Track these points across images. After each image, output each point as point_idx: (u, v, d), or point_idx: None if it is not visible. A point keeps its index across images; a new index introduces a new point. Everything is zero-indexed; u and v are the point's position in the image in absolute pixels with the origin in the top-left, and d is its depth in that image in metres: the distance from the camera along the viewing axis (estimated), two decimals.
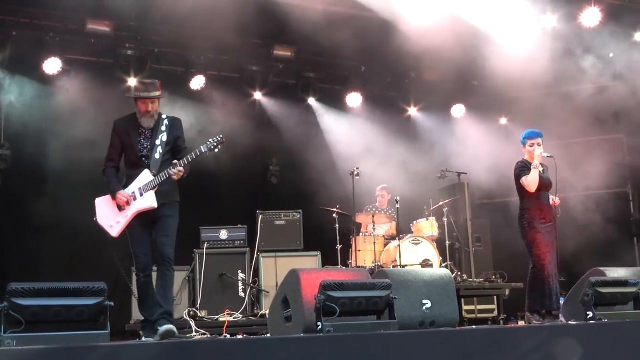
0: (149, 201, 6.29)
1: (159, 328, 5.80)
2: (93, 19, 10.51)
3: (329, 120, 12.81)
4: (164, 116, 6.52)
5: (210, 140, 6.38)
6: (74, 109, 10.45)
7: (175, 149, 6.49)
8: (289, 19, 10.16)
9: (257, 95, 12.32)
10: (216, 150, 6.34)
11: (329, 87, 13.04)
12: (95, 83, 10.57)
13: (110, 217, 6.37)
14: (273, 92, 12.45)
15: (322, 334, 5.21)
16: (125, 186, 6.38)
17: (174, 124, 6.57)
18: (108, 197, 6.43)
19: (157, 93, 6.37)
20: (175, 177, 6.23)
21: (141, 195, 6.29)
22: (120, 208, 6.33)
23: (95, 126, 9.81)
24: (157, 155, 6.39)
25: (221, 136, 6.40)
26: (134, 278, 6.69)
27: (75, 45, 10.85)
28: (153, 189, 6.28)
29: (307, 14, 10.12)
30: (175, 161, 6.20)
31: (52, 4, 10.09)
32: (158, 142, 6.42)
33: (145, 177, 6.35)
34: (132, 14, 10.76)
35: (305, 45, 11.96)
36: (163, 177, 6.25)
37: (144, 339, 5.96)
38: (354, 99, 12.81)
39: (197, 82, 11.51)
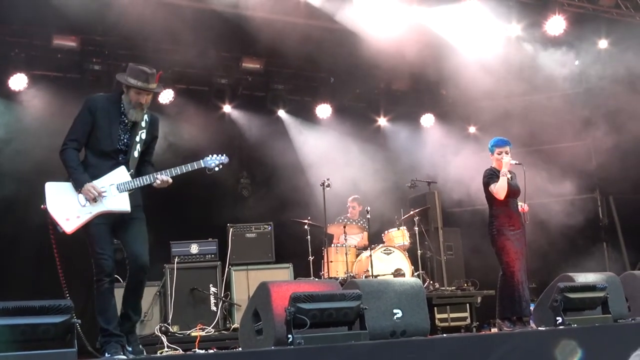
0: (123, 203, 5.63)
1: (130, 349, 5.48)
2: (59, 34, 10.43)
3: (298, 131, 12.82)
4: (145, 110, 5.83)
5: (213, 156, 5.94)
6: (40, 124, 10.33)
7: (146, 150, 5.90)
8: (257, 31, 10.18)
9: (227, 108, 12.31)
10: (216, 169, 5.91)
11: (298, 98, 13.06)
12: (62, 98, 10.44)
13: (68, 209, 5.52)
14: (242, 105, 12.45)
15: (292, 346, 5.19)
16: (92, 178, 5.57)
17: (155, 122, 5.97)
18: (65, 185, 5.58)
19: (157, 86, 5.76)
20: (157, 186, 5.69)
21: (113, 194, 5.60)
22: (82, 201, 5.56)
23: (61, 141, 9.68)
24: (136, 154, 5.75)
25: (224, 156, 5.99)
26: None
27: (41, 60, 10.76)
28: (129, 190, 5.65)
29: (275, 27, 10.15)
30: (163, 171, 5.67)
31: (18, 20, 10.02)
32: (137, 138, 5.76)
33: (122, 174, 5.69)
34: (98, 28, 10.72)
35: (274, 58, 11.99)
36: (145, 181, 5.68)
37: (107, 355, 5.35)
38: (323, 110, 12.85)
39: (166, 96, 11.45)
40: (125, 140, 5.73)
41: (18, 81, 10.33)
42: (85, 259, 5.70)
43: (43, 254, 9.50)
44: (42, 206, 5.56)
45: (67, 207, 5.53)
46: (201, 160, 5.88)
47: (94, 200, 5.51)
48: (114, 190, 5.63)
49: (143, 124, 5.81)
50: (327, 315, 5.53)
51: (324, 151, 12.29)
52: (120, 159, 5.72)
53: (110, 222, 5.62)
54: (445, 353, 5.62)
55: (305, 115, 12.91)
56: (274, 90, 12.52)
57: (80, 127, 5.62)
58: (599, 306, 6.94)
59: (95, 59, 10.94)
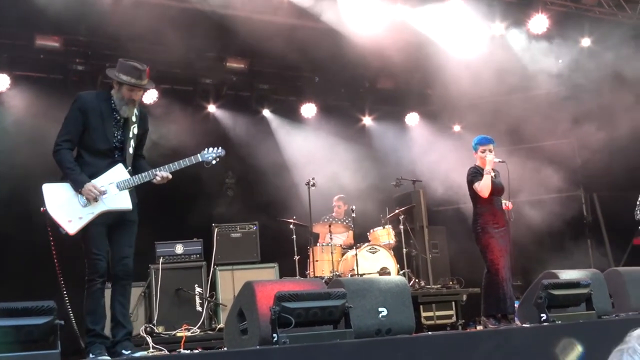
0: (124, 202, 5.59)
1: (127, 352, 5.45)
2: (42, 34, 10.36)
3: (283, 131, 12.80)
4: None
5: (209, 149, 5.91)
6: (23, 125, 10.27)
7: (139, 144, 5.87)
8: (241, 31, 10.16)
9: (211, 108, 12.28)
10: (213, 162, 5.89)
11: (283, 98, 13.05)
12: (45, 99, 10.39)
13: (69, 210, 5.45)
14: (227, 105, 12.43)
15: (277, 346, 5.18)
16: (89, 177, 5.52)
17: (144, 116, 5.97)
18: (62, 185, 5.52)
19: (148, 82, 5.72)
20: (157, 182, 5.68)
21: (114, 193, 5.56)
22: (82, 202, 5.49)
23: (45, 143, 9.62)
24: (130, 150, 5.72)
25: (221, 149, 5.98)
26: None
27: (24, 61, 10.70)
28: (129, 188, 5.61)
29: (260, 26, 10.13)
30: (162, 167, 5.63)
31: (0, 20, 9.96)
32: (130, 134, 5.73)
33: (120, 172, 5.65)
34: (81, 29, 10.66)
35: (258, 57, 11.97)
36: (144, 178, 5.64)
37: (91, 356, 5.31)
38: (308, 110, 12.86)
39: (150, 96, 11.41)
40: (119, 137, 5.70)
41: (0, 81, 10.25)
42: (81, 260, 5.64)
43: (30, 255, 9.48)
44: (41, 209, 5.47)
45: (68, 208, 5.47)
46: (198, 155, 5.84)
47: (95, 200, 5.47)
48: (114, 189, 5.59)
49: (134, 118, 5.76)
50: (312, 314, 5.52)
51: (309, 150, 12.28)
52: (116, 156, 5.68)
53: (107, 222, 5.58)
54: (431, 351, 5.64)
55: (290, 114, 12.91)
56: (259, 90, 12.52)
57: (72, 127, 5.56)
58: (583, 303, 6.97)
59: (79, 60, 10.88)
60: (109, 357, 5.30)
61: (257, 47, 11.12)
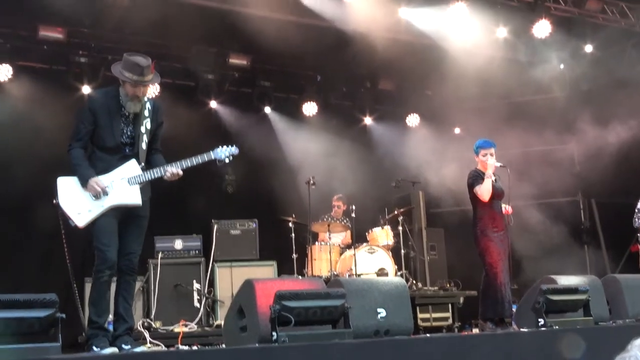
0: (134, 197, 5.63)
1: (127, 347, 5.45)
2: (45, 25, 10.35)
3: (284, 129, 12.80)
4: (145, 98, 5.78)
5: (223, 147, 5.84)
6: (24, 115, 10.26)
7: (153, 138, 5.86)
8: (244, 27, 10.16)
9: (213, 104, 12.26)
10: (226, 160, 5.82)
11: (285, 96, 13.06)
12: (47, 90, 10.39)
13: (79, 203, 5.54)
14: (228, 101, 12.41)
15: (277, 344, 5.19)
16: (101, 172, 5.61)
17: (158, 109, 5.92)
18: (76, 179, 5.61)
19: (152, 77, 5.66)
20: (168, 179, 5.70)
21: (124, 188, 5.60)
22: (94, 196, 5.56)
23: (46, 133, 9.65)
24: (144, 145, 5.72)
25: (234, 147, 5.90)
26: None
27: (26, 51, 10.70)
28: (140, 184, 5.65)
29: (263, 23, 10.13)
30: (174, 163, 5.62)
31: (3, 9, 9.95)
32: (143, 129, 5.72)
33: (133, 168, 5.67)
34: (85, 20, 10.67)
35: (261, 54, 11.98)
36: (155, 174, 5.66)
37: (95, 349, 5.33)
38: (309, 108, 12.85)
39: (152, 90, 11.40)
40: (128, 132, 5.71)
41: (3, 72, 10.25)
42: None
43: (39, 246, 9.51)
44: (53, 201, 5.57)
45: (78, 201, 5.56)
46: (211, 152, 5.80)
47: (96, 196, 5.53)
48: (125, 184, 5.62)
49: (146, 112, 5.76)
50: (312, 313, 5.53)
51: (310, 149, 12.28)
52: (126, 151, 5.70)
53: (117, 215, 5.63)
54: (429, 352, 5.65)
55: (292, 112, 12.90)
56: (261, 87, 12.50)
57: (82, 128, 5.65)
58: (580, 308, 6.98)
59: (82, 52, 10.87)
60: (114, 349, 5.32)
61: (260, 44, 11.12)
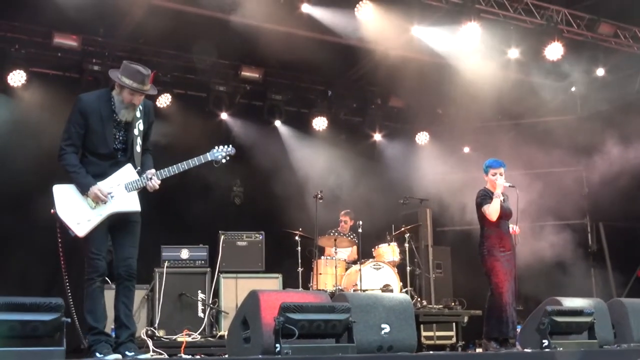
0: (133, 204, 5.54)
1: (131, 354, 5.39)
2: (60, 32, 10.43)
3: (294, 142, 12.84)
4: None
5: (219, 147, 5.80)
6: (36, 121, 10.33)
7: (144, 137, 5.73)
8: (257, 41, 10.24)
9: (223, 115, 12.32)
10: (223, 160, 5.78)
11: (295, 109, 13.10)
12: (59, 97, 10.44)
13: (78, 212, 5.43)
14: (239, 113, 12.47)
15: (280, 356, 5.19)
16: (95, 178, 5.46)
17: (149, 109, 5.80)
18: (72, 187, 5.48)
19: (150, 87, 5.56)
20: (151, 189, 5.59)
21: (122, 194, 5.51)
22: (91, 204, 5.47)
23: (57, 139, 9.67)
24: (138, 148, 5.63)
25: (230, 146, 5.86)
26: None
27: (41, 58, 10.79)
28: (137, 189, 5.55)
29: (276, 37, 10.20)
30: (172, 167, 5.53)
31: (19, 17, 10.06)
32: (136, 132, 5.63)
33: (129, 173, 5.59)
34: (99, 29, 10.76)
35: (273, 68, 12.07)
36: (143, 182, 5.56)
37: (98, 355, 5.24)
38: (319, 123, 12.89)
39: (164, 100, 11.49)
40: (120, 138, 5.61)
41: (17, 77, 10.31)
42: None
43: (35, 253, 9.53)
44: (51, 210, 5.46)
45: (77, 210, 5.45)
46: (207, 154, 5.74)
47: (103, 202, 5.44)
48: (123, 190, 5.55)
49: (138, 114, 5.66)
50: (316, 326, 5.54)
51: (318, 163, 12.33)
52: (119, 157, 5.61)
53: (109, 222, 5.53)
54: None
55: (301, 126, 12.95)
56: (272, 100, 12.54)
57: (74, 131, 5.48)
58: (585, 331, 6.97)
59: (95, 60, 10.93)
60: (118, 355, 5.27)
61: (272, 57, 11.22)
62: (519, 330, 7.62)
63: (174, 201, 10.80)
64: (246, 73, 11.97)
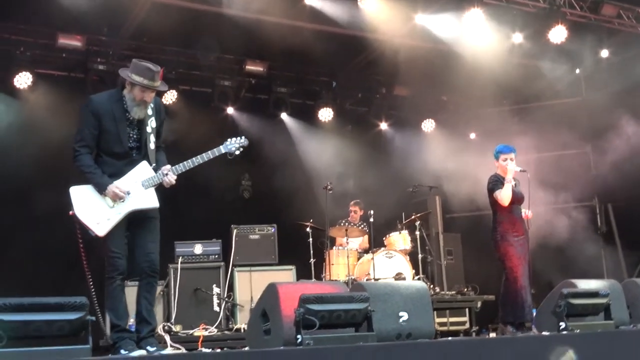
0: (151, 200, 5.59)
1: (153, 349, 5.44)
2: (64, 33, 10.44)
3: (300, 134, 12.87)
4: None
5: (232, 139, 5.88)
6: (43, 123, 10.36)
7: (157, 134, 5.81)
8: (260, 34, 10.24)
9: (229, 110, 12.34)
10: (237, 152, 5.85)
11: (301, 102, 13.12)
12: (65, 97, 10.47)
13: (97, 212, 5.47)
14: (245, 107, 12.50)
15: (301, 347, 5.24)
16: (110, 177, 5.53)
17: (159, 106, 5.88)
18: (90, 187, 5.52)
19: (160, 84, 5.62)
20: (167, 185, 5.64)
21: (140, 191, 5.57)
22: (110, 203, 5.52)
23: (64, 140, 9.72)
24: (152, 145, 5.69)
25: (244, 138, 5.95)
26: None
27: (46, 59, 10.83)
28: (154, 186, 5.61)
29: (279, 30, 10.21)
30: (186, 162, 5.59)
31: (23, 19, 10.08)
32: (149, 129, 5.68)
33: (145, 170, 5.63)
34: (103, 28, 10.78)
35: (277, 61, 12.08)
36: (160, 178, 5.61)
37: (122, 352, 5.31)
38: (325, 114, 12.89)
39: (170, 97, 11.51)
40: (134, 136, 5.66)
41: (23, 79, 10.35)
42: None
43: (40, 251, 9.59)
44: (70, 212, 5.48)
45: (96, 210, 5.48)
46: (221, 147, 5.81)
47: (121, 200, 5.47)
48: (140, 188, 5.59)
49: (150, 111, 5.70)
50: (336, 316, 5.59)
51: (326, 154, 12.36)
52: (134, 155, 5.66)
53: (127, 219, 5.58)
54: (451, 356, 5.67)
55: (308, 118, 12.97)
56: (277, 93, 12.55)
57: (87, 132, 5.53)
58: (601, 312, 7.01)
59: (100, 59, 10.95)
60: (143, 351, 5.32)
61: (276, 50, 11.22)
62: (534, 314, 7.66)
63: (182, 197, 10.82)
64: (250, 67, 11.99)
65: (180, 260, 9.43)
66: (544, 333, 6.82)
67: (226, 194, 11.96)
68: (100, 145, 5.60)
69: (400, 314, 6.33)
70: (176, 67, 11.56)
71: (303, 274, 10.10)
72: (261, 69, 12.08)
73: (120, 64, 11.04)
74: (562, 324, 6.59)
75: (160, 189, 5.78)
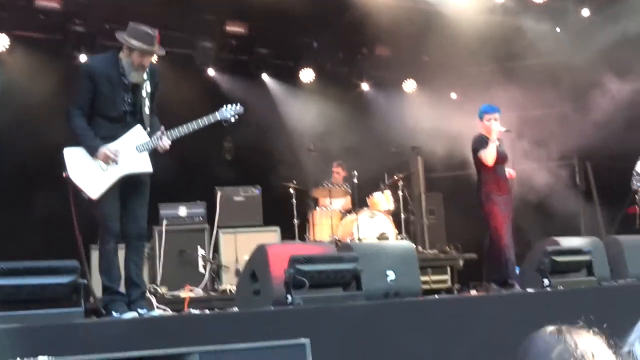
0: (144, 165, 5.57)
1: (143, 311, 5.46)
2: None
3: (282, 96, 12.81)
4: None
5: (227, 106, 5.86)
6: (22, 85, 10.22)
7: (151, 99, 5.78)
8: None
9: (210, 72, 12.23)
10: (232, 120, 5.86)
11: (282, 62, 13.02)
12: (44, 60, 10.34)
13: (91, 175, 5.43)
14: (226, 68, 12.38)
15: (292, 307, 5.30)
16: (104, 140, 5.49)
17: (155, 71, 5.84)
18: (83, 150, 5.48)
19: (157, 47, 5.60)
20: (161, 149, 5.62)
21: (134, 155, 5.53)
22: (103, 166, 5.47)
23: (44, 103, 9.62)
24: (147, 110, 5.66)
25: (239, 105, 5.93)
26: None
27: (23, 21, 10.62)
28: (148, 150, 5.58)
29: None
30: (177, 127, 5.54)
31: None
32: (144, 93, 5.64)
33: (139, 134, 5.59)
34: None
35: (258, 21, 11.94)
36: (158, 140, 5.57)
37: (114, 314, 5.32)
38: (306, 75, 12.83)
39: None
40: (129, 100, 5.60)
41: (0, 42, 10.18)
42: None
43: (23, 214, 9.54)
44: (63, 174, 5.45)
45: (89, 173, 5.44)
46: (217, 113, 5.80)
47: (114, 163, 5.43)
48: (134, 152, 5.55)
49: (145, 76, 5.65)
50: (325, 276, 5.66)
51: (308, 115, 12.31)
52: (128, 119, 5.61)
53: (121, 183, 5.55)
54: (438, 313, 5.80)
55: (289, 79, 12.89)
56: (258, 54, 12.44)
57: (82, 95, 5.50)
58: (583, 269, 7.13)
59: (78, 21, 10.76)
60: (134, 313, 5.33)
61: (257, 10, 11.09)
62: (517, 271, 7.78)
63: (169, 158, 10.73)
64: (231, 28, 11.86)
65: (164, 222, 9.42)
66: (529, 290, 6.95)
67: (208, 155, 11.91)
68: (95, 107, 5.56)
69: (388, 273, 6.41)
70: (155, 28, 11.36)
71: (287, 235, 10.15)
72: (242, 29, 11.97)
73: (99, 25, 10.93)
74: (546, 281, 6.70)
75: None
